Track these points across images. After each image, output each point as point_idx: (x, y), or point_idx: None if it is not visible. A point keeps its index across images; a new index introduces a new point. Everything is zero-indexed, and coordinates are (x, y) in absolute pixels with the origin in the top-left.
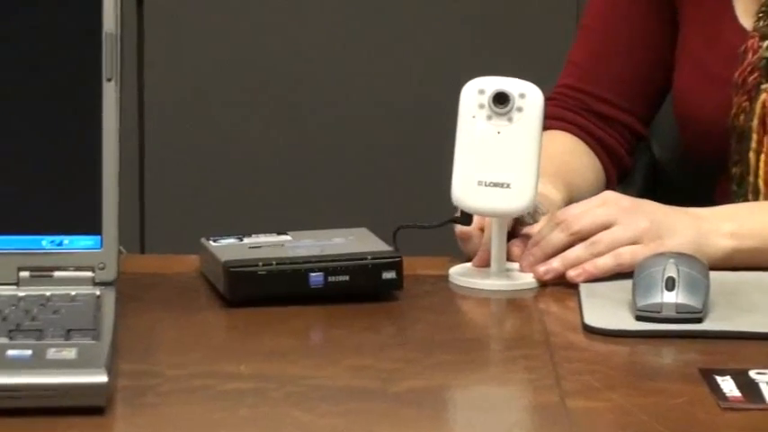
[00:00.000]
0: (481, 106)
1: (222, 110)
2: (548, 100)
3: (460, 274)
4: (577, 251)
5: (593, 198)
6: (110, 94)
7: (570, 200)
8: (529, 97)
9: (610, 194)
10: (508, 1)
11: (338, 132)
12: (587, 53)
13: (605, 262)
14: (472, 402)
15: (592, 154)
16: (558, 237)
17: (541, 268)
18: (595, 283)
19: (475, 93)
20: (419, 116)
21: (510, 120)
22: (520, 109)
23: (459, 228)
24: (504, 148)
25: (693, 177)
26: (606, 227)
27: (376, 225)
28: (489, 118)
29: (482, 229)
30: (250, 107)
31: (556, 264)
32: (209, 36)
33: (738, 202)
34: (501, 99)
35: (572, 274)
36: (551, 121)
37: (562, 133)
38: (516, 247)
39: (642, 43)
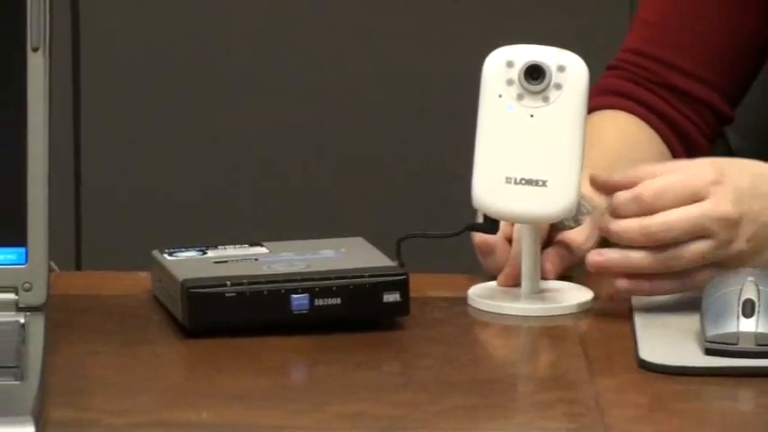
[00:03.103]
0: (510, 82)
1: (178, 92)
2: (608, 69)
3: (482, 295)
4: (648, 259)
5: (699, 179)
6: (37, 67)
7: None
8: (570, 71)
9: (725, 182)
10: None
11: (326, 121)
12: (663, 8)
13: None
14: None
15: (661, 144)
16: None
17: (594, 257)
18: (653, 307)
19: (502, 65)
20: (426, 96)
21: (546, 100)
22: (558, 86)
23: (478, 237)
24: (538, 136)
25: None
26: (699, 235)
27: (375, 234)
28: (520, 97)
29: (509, 239)
30: (215, 87)
31: (614, 255)
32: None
33: None
34: (535, 73)
35: (623, 284)
36: (611, 97)
37: (623, 115)
38: (552, 257)
39: None
